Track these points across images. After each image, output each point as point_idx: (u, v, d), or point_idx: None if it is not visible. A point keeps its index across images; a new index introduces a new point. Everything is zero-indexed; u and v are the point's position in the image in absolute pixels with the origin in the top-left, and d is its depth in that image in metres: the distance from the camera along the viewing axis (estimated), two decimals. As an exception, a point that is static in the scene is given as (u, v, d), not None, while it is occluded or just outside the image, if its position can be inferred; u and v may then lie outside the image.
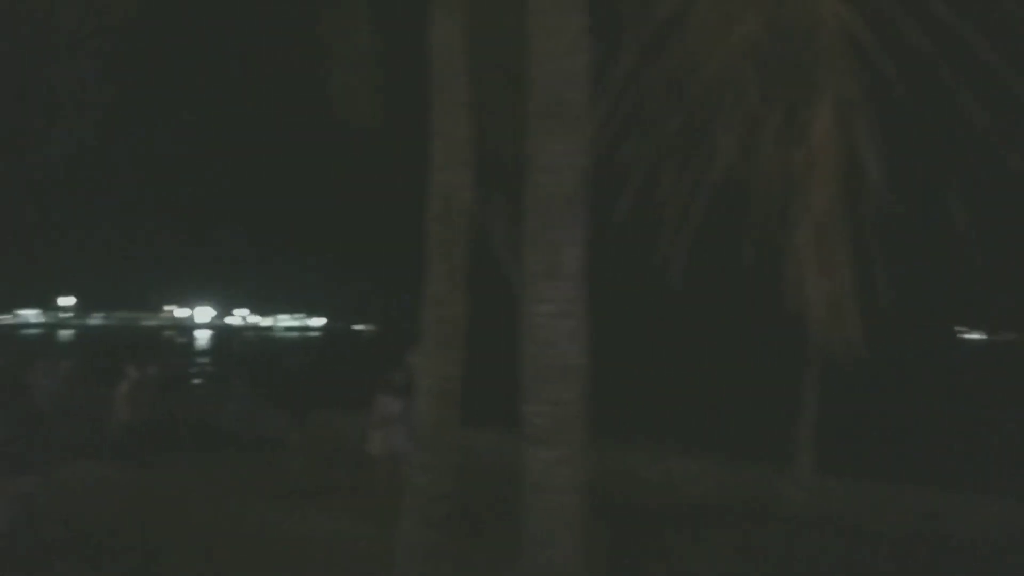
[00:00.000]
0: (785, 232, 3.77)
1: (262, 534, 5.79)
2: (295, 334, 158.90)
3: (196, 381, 28.37)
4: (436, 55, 4.55)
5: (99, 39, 5.11)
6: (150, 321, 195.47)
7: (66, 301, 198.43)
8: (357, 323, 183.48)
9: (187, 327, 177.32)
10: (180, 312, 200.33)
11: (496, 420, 7.53)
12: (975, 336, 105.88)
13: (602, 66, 3.75)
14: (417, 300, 4.49)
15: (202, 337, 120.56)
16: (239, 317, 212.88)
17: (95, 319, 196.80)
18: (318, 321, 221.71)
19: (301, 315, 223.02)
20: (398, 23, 5.68)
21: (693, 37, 3.57)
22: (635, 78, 3.82)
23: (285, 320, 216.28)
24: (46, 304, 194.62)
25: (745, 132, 3.64)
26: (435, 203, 4.57)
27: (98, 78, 5.29)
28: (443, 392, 4.50)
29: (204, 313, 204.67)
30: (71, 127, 5.46)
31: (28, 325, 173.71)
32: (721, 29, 3.48)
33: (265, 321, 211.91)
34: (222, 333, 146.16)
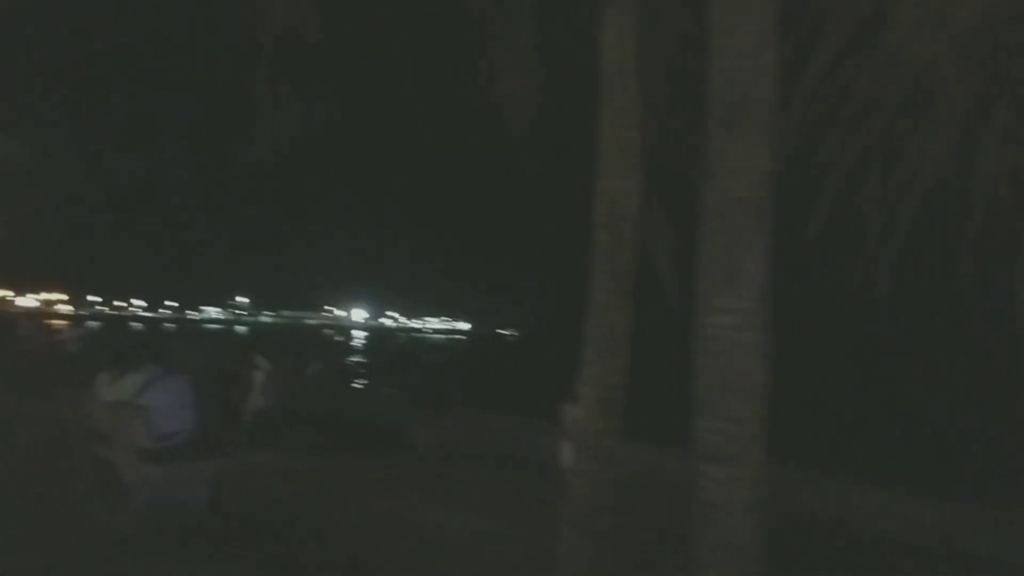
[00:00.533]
0: (1014, 241, 3.34)
1: (408, 528, 5.95)
2: (442, 337, 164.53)
3: (352, 378, 30.10)
4: (606, 57, 4.47)
5: (291, 57, 5.48)
6: (312, 320, 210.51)
7: (241, 300, 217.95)
8: (501, 328, 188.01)
9: (344, 326, 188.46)
10: (338, 312, 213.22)
11: (655, 434, 7.33)
12: None
13: (792, 64, 3.50)
14: (559, 307, 4.43)
15: (358, 336, 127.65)
16: (391, 318, 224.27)
17: (265, 317, 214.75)
18: (463, 325, 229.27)
19: (447, 319, 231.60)
20: (562, 23, 5.67)
21: (900, 29, 3.25)
22: (832, 76, 3.54)
23: (433, 323, 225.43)
24: (224, 303, 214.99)
25: (962, 130, 3.27)
26: (601, 209, 4.49)
27: (290, 96, 5.67)
28: (605, 401, 4.42)
29: (359, 314, 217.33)
30: (270, 142, 5.88)
31: (210, 320, 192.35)
32: (933, 19, 3.15)
33: (414, 323, 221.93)
34: (376, 332, 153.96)
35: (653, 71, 4.79)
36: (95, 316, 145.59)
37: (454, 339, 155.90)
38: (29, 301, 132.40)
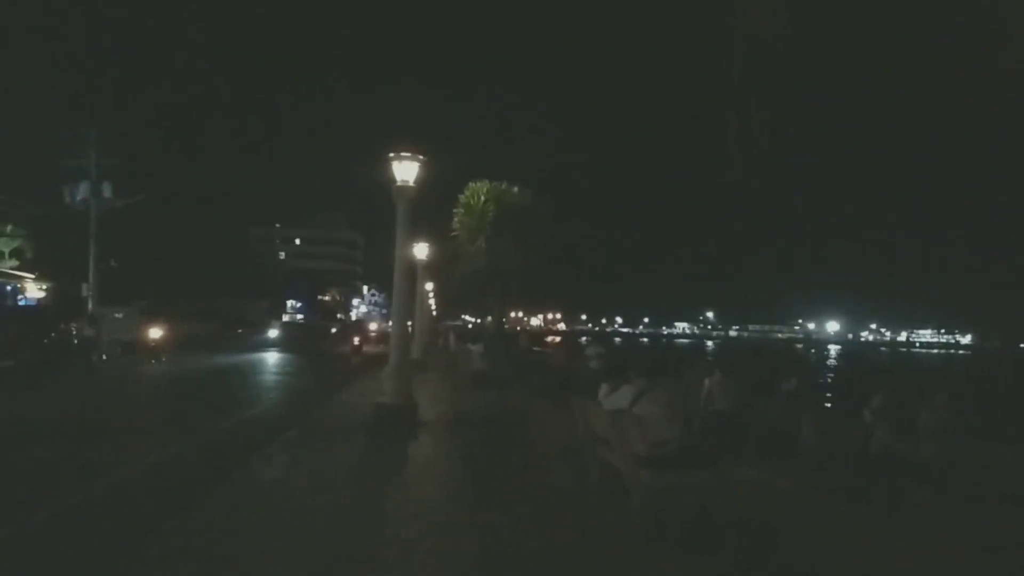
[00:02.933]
0: None
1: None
2: (936, 351, 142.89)
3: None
4: None
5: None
6: (782, 334, 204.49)
7: (708, 315, 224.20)
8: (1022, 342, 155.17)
9: (817, 340, 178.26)
10: (810, 325, 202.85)
11: None
12: None
13: None
14: None
15: (832, 351, 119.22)
16: (871, 331, 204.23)
17: (732, 331, 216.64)
18: (964, 338, 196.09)
19: (944, 330, 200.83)
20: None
21: None
22: None
23: (924, 335, 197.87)
24: (693, 318, 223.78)
25: None
26: None
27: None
28: None
29: (831, 327, 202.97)
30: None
31: (680, 336, 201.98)
32: None
33: (899, 336, 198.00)
34: (851, 347, 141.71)
35: None
36: (585, 333, 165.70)
37: (952, 355, 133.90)
38: (537, 320, 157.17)
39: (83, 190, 27.72)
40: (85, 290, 27.68)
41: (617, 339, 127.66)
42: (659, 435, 5.82)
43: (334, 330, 51.67)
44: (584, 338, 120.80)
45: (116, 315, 26.88)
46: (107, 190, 28.14)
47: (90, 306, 26.94)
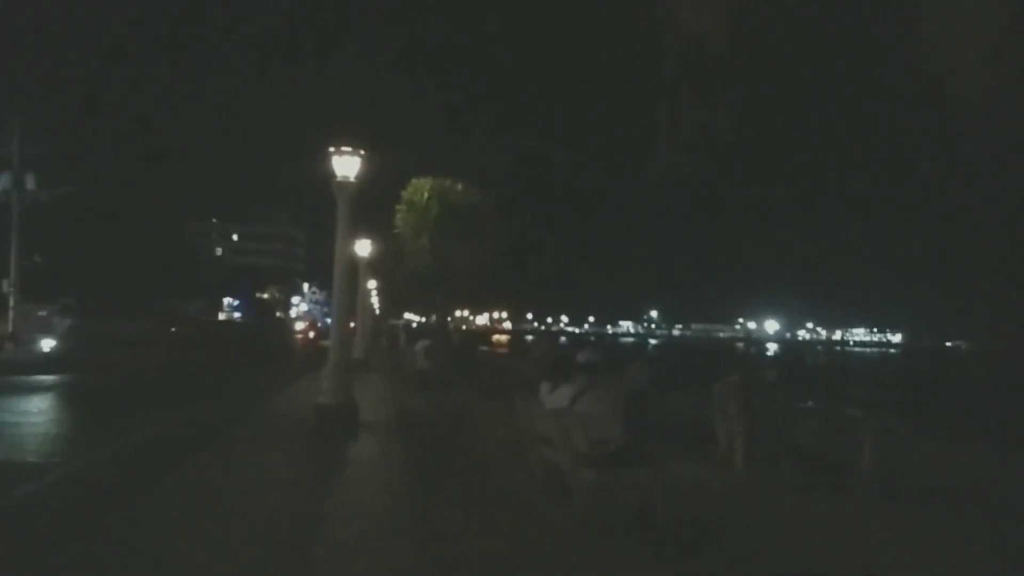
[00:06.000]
0: None
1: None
2: (871, 351, 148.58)
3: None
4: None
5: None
6: (723, 333, 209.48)
7: (652, 314, 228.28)
8: (949, 339, 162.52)
9: (757, 340, 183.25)
10: (750, 324, 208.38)
11: None
12: None
13: None
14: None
15: (771, 349, 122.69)
16: (807, 330, 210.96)
17: (676, 330, 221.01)
18: (895, 336, 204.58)
19: (875, 330, 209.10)
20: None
21: None
22: None
23: (858, 334, 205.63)
24: (637, 316, 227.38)
25: None
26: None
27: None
28: None
29: (771, 326, 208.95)
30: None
31: (625, 335, 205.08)
32: None
33: (834, 335, 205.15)
34: (788, 347, 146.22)
35: None
36: (530, 332, 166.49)
37: (886, 354, 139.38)
38: (483, 319, 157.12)
39: (4, 181, 26.42)
40: (6, 286, 26.39)
41: (562, 338, 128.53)
42: (600, 434, 5.83)
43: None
44: (528, 336, 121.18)
45: (40, 313, 25.67)
46: (30, 181, 26.88)
47: (11, 303, 25.68)
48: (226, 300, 60.76)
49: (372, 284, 34.38)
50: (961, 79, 5.30)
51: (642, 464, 5.89)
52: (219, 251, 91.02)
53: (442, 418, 12.87)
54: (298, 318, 70.29)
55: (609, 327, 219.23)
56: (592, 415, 5.96)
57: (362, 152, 10.10)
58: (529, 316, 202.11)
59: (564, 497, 6.06)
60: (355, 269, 22.30)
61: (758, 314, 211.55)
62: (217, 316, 52.89)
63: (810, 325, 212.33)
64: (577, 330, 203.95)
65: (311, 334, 38.70)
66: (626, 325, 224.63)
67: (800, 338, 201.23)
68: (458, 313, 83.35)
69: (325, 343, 32.28)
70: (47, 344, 22.99)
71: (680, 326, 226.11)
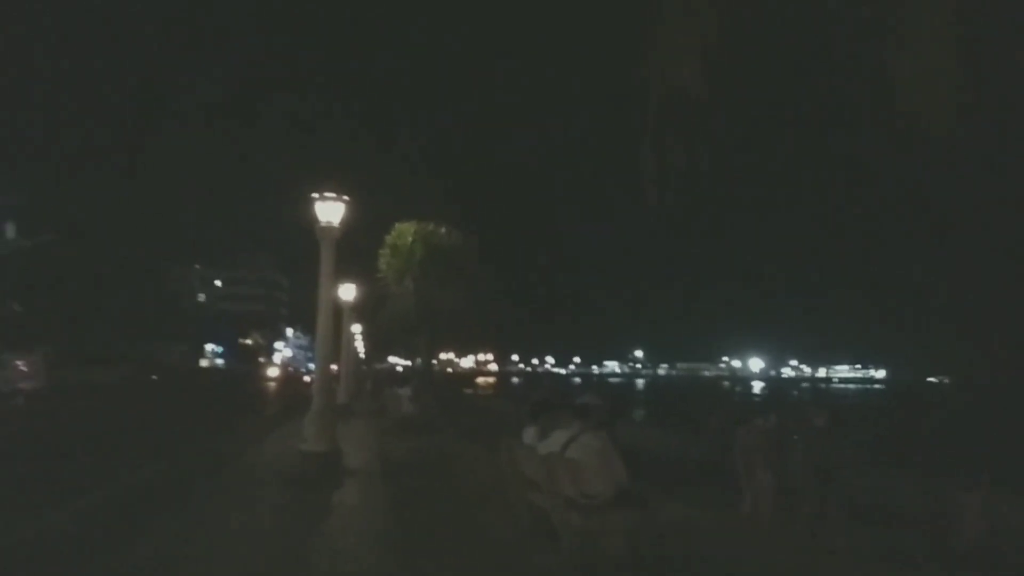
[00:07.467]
0: None
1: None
2: (854, 387, 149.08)
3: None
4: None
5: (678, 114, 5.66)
6: (708, 372, 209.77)
7: (637, 353, 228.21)
8: (931, 375, 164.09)
9: (741, 378, 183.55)
10: (735, 363, 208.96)
11: None
12: None
13: None
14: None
15: (756, 387, 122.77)
16: (791, 368, 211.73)
17: (661, 369, 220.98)
18: (879, 372, 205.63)
19: (859, 366, 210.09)
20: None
21: None
22: None
23: (842, 371, 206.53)
24: (622, 357, 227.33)
25: None
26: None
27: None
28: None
29: (755, 364, 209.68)
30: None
31: (612, 375, 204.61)
32: None
33: (819, 372, 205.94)
34: (774, 384, 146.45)
35: None
36: (517, 373, 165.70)
37: (868, 389, 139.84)
38: (468, 361, 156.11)
39: (-17, 230, 26.29)
40: (-16, 336, 26.01)
41: (577, 379, 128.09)
42: (589, 485, 5.76)
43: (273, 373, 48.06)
44: (514, 379, 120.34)
45: (17, 362, 25.23)
46: (10, 230, 26.73)
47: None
48: (209, 346, 60.20)
49: (357, 328, 34.20)
50: (930, 120, 5.44)
51: (631, 507, 5.83)
52: (202, 297, 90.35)
53: (427, 463, 12.70)
54: (268, 365, 68.79)
55: (595, 367, 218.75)
56: (581, 462, 5.87)
57: (345, 198, 10.15)
58: (515, 358, 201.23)
59: (550, 541, 5.97)
60: (339, 313, 22.21)
61: (742, 352, 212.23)
62: (199, 362, 52.31)
63: (794, 362, 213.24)
64: (563, 371, 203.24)
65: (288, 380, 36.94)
66: (611, 365, 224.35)
67: (784, 375, 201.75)
68: (443, 355, 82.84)
69: (308, 379, 31.79)
70: (23, 392, 22.58)
71: (666, 365, 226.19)
